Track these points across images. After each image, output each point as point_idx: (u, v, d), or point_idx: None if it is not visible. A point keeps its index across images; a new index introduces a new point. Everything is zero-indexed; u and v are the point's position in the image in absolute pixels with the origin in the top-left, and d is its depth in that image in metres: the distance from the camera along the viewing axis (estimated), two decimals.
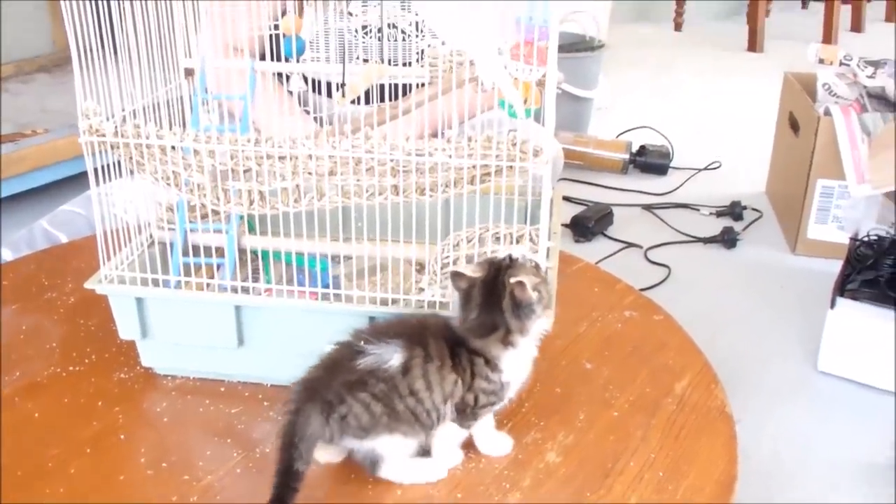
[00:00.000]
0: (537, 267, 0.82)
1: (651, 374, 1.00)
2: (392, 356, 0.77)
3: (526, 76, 0.84)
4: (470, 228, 0.92)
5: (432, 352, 0.79)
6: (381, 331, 0.81)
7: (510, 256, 0.80)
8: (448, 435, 0.82)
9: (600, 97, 3.05)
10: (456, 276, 0.80)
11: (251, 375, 0.95)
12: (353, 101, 0.97)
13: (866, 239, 1.76)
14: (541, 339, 0.83)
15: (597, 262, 2.03)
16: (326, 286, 0.91)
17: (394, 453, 0.80)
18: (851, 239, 1.79)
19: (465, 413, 0.81)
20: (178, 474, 0.81)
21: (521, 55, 0.84)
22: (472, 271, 0.79)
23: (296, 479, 0.74)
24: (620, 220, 2.34)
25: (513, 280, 0.78)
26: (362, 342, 0.78)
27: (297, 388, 0.78)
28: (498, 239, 0.92)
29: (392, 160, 0.83)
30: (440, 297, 0.88)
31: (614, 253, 2.16)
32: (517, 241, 0.91)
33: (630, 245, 2.21)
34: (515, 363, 0.81)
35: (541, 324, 0.81)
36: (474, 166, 0.83)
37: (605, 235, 2.27)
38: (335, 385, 0.77)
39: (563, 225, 2.23)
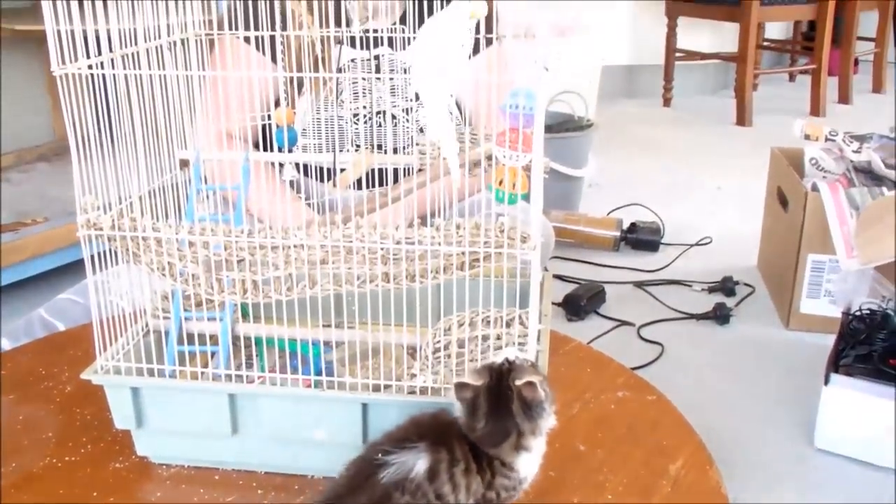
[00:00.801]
0: (534, 365, 0.83)
1: (645, 455, 1.00)
2: (417, 461, 0.77)
3: (513, 162, 0.87)
4: (461, 313, 0.93)
5: (457, 454, 0.78)
6: (399, 437, 0.80)
7: (507, 360, 0.80)
8: None
9: (590, 175, 3.10)
10: (460, 386, 0.79)
11: (245, 463, 0.95)
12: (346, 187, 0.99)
13: (859, 313, 1.78)
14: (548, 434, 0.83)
15: (589, 342, 2.04)
16: (320, 372, 0.92)
17: None
18: (843, 313, 1.80)
19: None
20: None
21: (507, 141, 0.87)
22: (474, 380, 0.79)
23: None
24: (613, 298, 2.36)
25: (519, 382, 0.78)
26: (380, 454, 0.78)
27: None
28: (488, 322, 0.93)
29: (383, 248, 0.85)
30: (432, 383, 0.89)
31: (607, 331, 2.17)
32: (507, 325, 0.92)
33: (622, 323, 2.22)
34: (530, 462, 0.82)
35: (550, 421, 0.81)
36: (463, 252, 0.85)
37: (598, 314, 2.28)
38: (360, 502, 0.76)
39: (555, 304, 2.25)
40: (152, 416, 0.93)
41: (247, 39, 1.18)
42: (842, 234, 2.02)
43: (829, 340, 1.72)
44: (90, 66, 0.86)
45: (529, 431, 0.79)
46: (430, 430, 0.79)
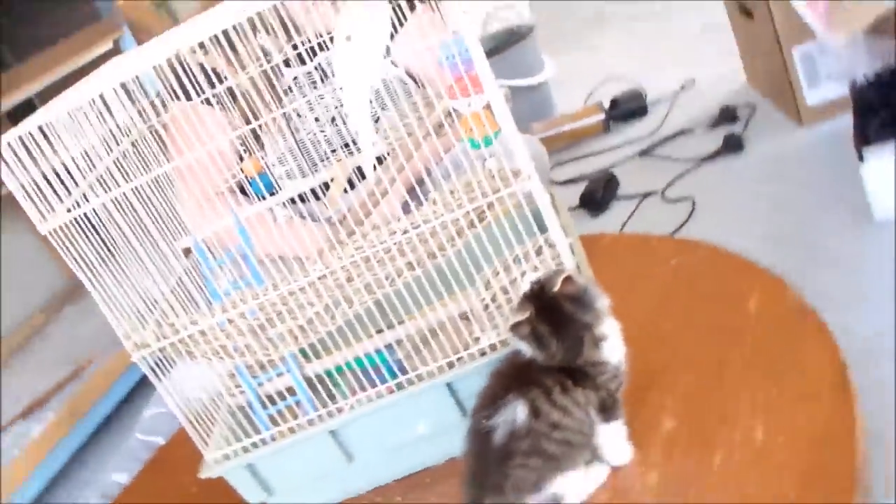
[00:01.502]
0: (559, 270, 0.85)
1: (721, 307, 1.02)
2: (516, 411, 0.80)
3: (472, 108, 0.89)
4: (490, 265, 0.96)
5: (547, 383, 0.81)
6: (489, 395, 0.83)
7: (533, 281, 0.82)
8: (611, 435, 0.85)
9: (551, 75, 3.08)
10: (515, 327, 0.81)
11: (374, 480, 1.00)
12: (344, 191, 1.02)
13: (866, 82, 1.73)
14: (610, 310, 0.85)
15: (621, 228, 2.06)
16: (395, 374, 0.96)
17: (571, 485, 0.82)
18: (851, 88, 1.76)
19: (608, 406, 0.83)
20: None
21: (457, 91, 0.89)
22: (521, 315, 0.81)
23: None
24: (624, 177, 2.36)
25: (557, 287, 0.80)
26: (483, 420, 0.81)
27: (466, 489, 0.82)
28: (519, 259, 0.96)
29: (395, 243, 0.88)
30: (497, 338, 0.92)
31: (633, 211, 2.18)
32: (537, 254, 0.95)
33: (644, 196, 2.23)
34: (614, 347, 0.83)
35: (604, 300, 0.83)
36: (467, 212, 0.88)
37: (619, 198, 2.28)
38: (492, 470, 0.80)
39: (573, 208, 2.26)
40: (276, 479, 0.98)
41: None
42: (813, 14, 1.99)
43: (849, 119, 1.70)
44: (68, 210, 0.89)
45: (594, 319, 0.81)
46: (512, 378, 0.83)
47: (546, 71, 3.03)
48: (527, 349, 0.82)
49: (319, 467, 0.98)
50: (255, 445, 0.97)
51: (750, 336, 0.94)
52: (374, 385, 0.97)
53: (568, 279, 0.80)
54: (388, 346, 1.04)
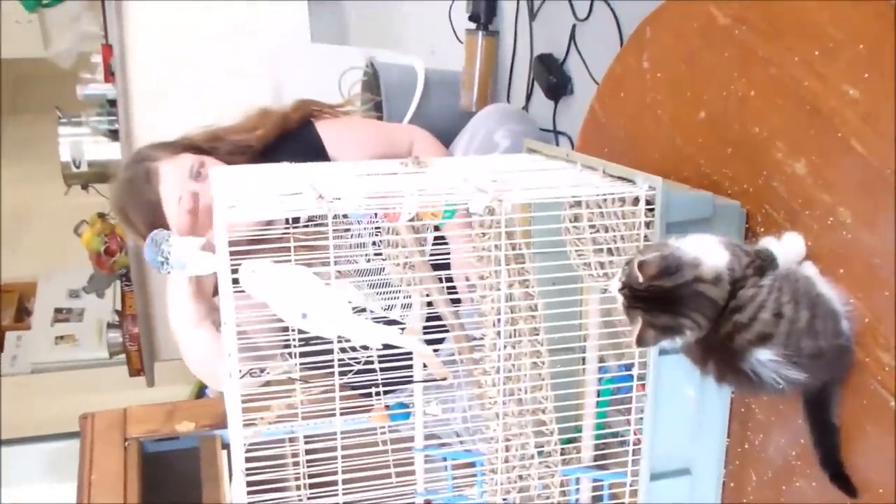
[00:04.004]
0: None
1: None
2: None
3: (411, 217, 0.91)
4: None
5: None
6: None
7: (621, 287, 0.79)
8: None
9: (420, 67, 3.01)
10: (640, 342, 0.78)
11: None
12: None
13: None
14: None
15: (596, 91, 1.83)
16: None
17: None
18: None
19: (764, 265, 0.82)
20: None
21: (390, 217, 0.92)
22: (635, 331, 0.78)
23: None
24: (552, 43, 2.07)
25: (641, 278, 0.76)
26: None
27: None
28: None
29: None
30: None
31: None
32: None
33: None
34: (717, 258, 0.79)
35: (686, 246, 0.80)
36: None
37: (576, 57, 1.96)
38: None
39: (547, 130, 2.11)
40: None
41: None
42: None
43: None
44: None
45: (694, 270, 0.77)
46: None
47: (419, 66, 2.93)
48: (682, 341, 0.79)
49: None
50: None
51: None
52: None
53: (642, 264, 0.76)
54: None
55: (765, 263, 0.81)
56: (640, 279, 0.76)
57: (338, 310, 0.86)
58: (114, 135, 3.09)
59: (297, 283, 0.85)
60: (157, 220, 1.42)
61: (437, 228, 1.31)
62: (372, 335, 0.89)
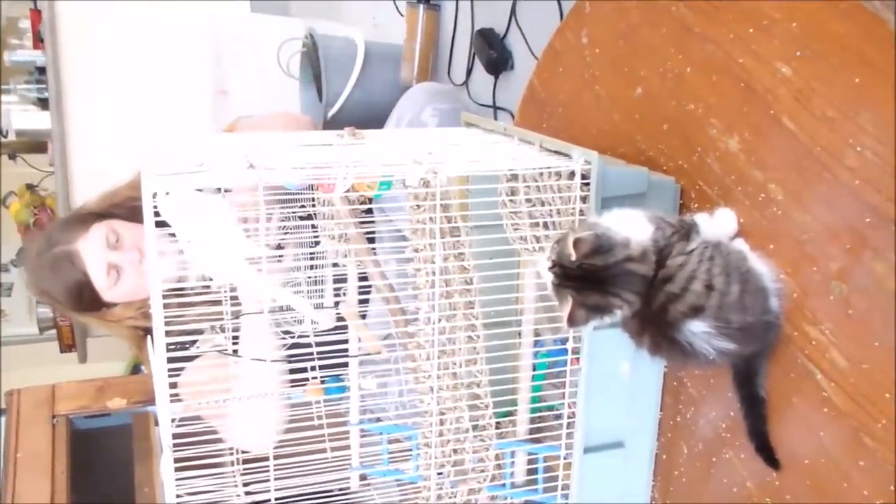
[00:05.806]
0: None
1: None
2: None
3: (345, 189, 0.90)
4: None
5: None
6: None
7: (551, 265, 0.78)
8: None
9: (360, 39, 3.00)
10: (572, 321, 0.78)
11: None
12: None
13: None
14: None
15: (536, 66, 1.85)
16: None
17: None
18: None
19: (686, 230, 0.83)
20: None
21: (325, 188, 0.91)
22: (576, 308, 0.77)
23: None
24: (493, 18, 2.06)
25: (574, 255, 0.75)
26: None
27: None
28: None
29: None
30: None
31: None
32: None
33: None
34: (641, 232, 0.80)
35: (615, 221, 0.80)
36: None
37: (516, 32, 1.96)
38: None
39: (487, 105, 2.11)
40: None
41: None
42: None
43: None
44: None
45: (624, 250, 0.77)
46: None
47: (358, 40, 2.93)
48: (611, 320, 0.79)
49: None
50: None
51: None
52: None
53: (577, 241, 0.75)
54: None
55: (688, 229, 0.82)
56: (573, 256, 0.75)
57: (237, 253, 0.85)
58: (43, 103, 2.99)
59: (209, 216, 0.85)
60: (84, 295, 1.43)
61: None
62: (259, 287, 0.88)
